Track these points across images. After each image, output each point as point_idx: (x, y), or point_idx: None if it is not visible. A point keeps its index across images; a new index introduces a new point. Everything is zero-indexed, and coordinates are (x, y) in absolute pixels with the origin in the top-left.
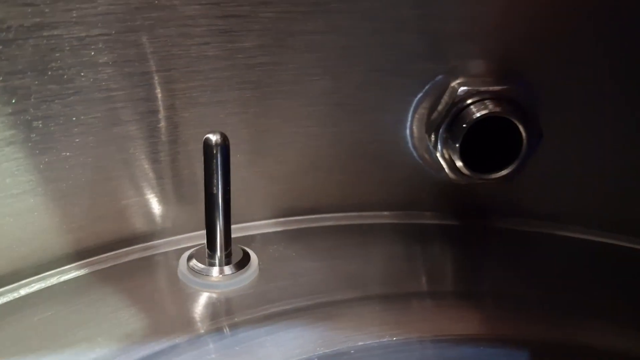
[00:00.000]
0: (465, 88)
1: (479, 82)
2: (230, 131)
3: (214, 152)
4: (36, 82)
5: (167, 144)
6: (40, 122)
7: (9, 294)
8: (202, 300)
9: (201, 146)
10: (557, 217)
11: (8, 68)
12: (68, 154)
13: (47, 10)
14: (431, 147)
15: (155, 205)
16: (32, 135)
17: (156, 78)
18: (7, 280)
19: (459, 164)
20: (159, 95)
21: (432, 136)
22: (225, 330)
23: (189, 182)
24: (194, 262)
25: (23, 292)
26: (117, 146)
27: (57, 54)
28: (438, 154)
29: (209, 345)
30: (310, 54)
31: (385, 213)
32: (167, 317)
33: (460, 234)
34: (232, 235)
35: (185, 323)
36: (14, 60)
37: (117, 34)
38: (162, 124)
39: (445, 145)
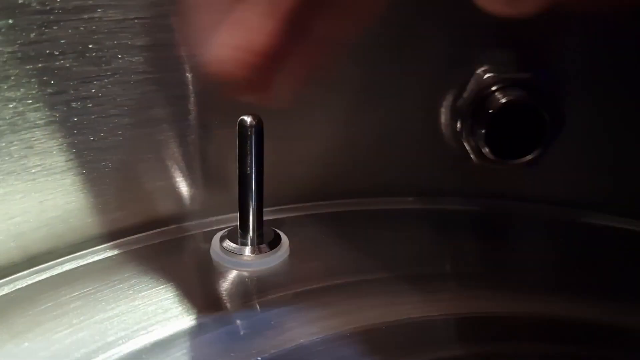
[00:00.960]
0: (490, 75)
1: (504, 69)
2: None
3: (249, 133)
4: (75, 64)
5: (198, 127)
6: (78, 102)
7: (46, 272)
8: (234, 278)
9: (231, 131)
10: (577, 203)
11: (49, 49)
12: (104, 135)
13: None
14: (457, 133)
15: (186, 188)
16: (70, 116)
17: (189, 62)
18: (44, 258)
19: (484, 149)
20: (191, 79)
21: (458, 123)
22: (256, 307)
23: (219, 166)
24: (226, 242)
25: (59, 269)
26: (150, 128)
27: (95, 37)
28: (464, 140)
29: (240, 321)
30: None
31: (411, 199)
32: (200, 294)
33: (483, 219)
34: (263, 218)
35: (217, 300)
36: (55, 41)
37: (152, 18)
38: (194, 107)
39: (471, 131)
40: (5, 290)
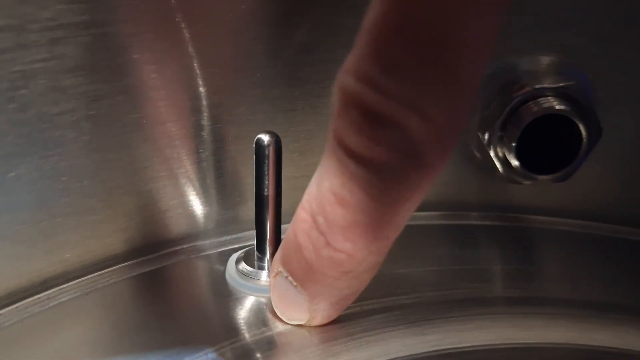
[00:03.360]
0: (521, 84)
1: (537, 79)
2: (277, 130)
3: (266, 152)
4: (86, 81)
5: (211, 142)
6: (89, 121)
7: (56, 298)
8: (252, 304)
9: (246, 145)
10: (604, 218)
11: (59, 67)
12: (114, 154)
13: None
14: (483, 145)
15: (200, 205)
16: (81, 135)
17: (201, 76)
18: (53, 283)
19: (514, 163)
20: (203, 94)
21: (486, 134)
22: (275, 337)
23: (234, 182)
24: (242, 264)
25: (68, 296)
26: (162, 145)
27: (105, 53)
28: (491, 153)
29: (260, 354)
30: None
31: (433, 213)
32: (215, 323)
33: (507, 235)
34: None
35: (233, 329)
36: (63, 59)
37: (160, 31)
38: (206, 122)
39: (499, 143)
40: (15, 318)
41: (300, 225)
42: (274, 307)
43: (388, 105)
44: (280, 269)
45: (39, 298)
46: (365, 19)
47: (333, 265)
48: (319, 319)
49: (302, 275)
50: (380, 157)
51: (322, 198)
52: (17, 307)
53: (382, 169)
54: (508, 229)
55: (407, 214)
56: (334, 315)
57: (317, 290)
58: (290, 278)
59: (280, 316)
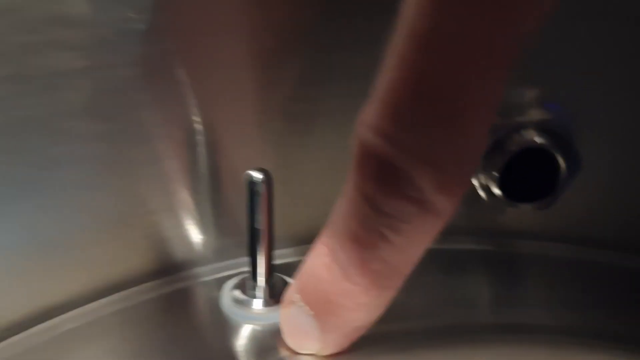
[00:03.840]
0: (504, 117)
1: (516, 112)
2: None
3: (257, 189)
4: (83, 123)
5: (206, 177)
6: (88, 162)
7: (36, 337)
8: (247, 332)
9: (237, 179)
10: (587, 242)
11: (59, 109)
12: (112, 194)
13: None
14: None
15: (196, 235)
16: (80, 175)
17: (198, 114)
18: (52, 313)
19: (497, 192)
20: (198, 131)
21: None
22: None
23: (228, 213)
24: (237, 292)
25: (63, 327)
26: (158, 182)
27: (103, 95)
28: (475, 182)
29: None
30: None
31: None
32: (212, 352)
33: (494, 259)
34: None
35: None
36: (62, 102)
37: (155, 72)
38: (202, 158)
39: (483, 173)
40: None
41: (320, 258)
42: (284, 336)
43: (403, 159)
44: (297, 298)
45: (43, 326)
46: (382, 79)
47: (350, 298)
48: (330, 349)
49: (319, 306)
50: (394, 203)
51: (342, 235)
52: (21, 336)
53: (395, 214)
54: (493, 253)
55: (418, 254)
56: (345, 345)
57: (331, 321)
58: (305, 308)
59: (291, 345)
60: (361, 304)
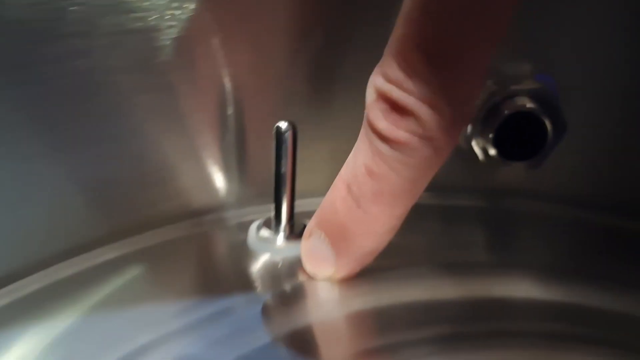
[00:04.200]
0: (499, 86)
1: (511, 81)
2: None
3: (284, 138)
4: (136, 78)
5: (234, 131)
6: (131, 112)
7: (86, 262)
8: (269, 263)
9: (261, 134)
10: (572, 201)
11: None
12: (150, 140)
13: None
14: (467, 137)
15: (222, 183)
16: (125, 124)
17: (227, 74)
18: (100, 243)
19: (492, 152)
20: (228, 91)
21: (469, 127)
22: (287, 287)
23: (254, 164)
24: (262, 230)
25: (104, 257)
26: (190, 133)
27: (151, 54)
28: (473, 143)
29: (275, 299)
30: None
31: (424, 194)
32: (237, 276)
33: (488, 213)
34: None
35: (251, 282)
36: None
37: (193, 37)
38: (231, 112)
39: (480, 135)
40: (75, 269)
41: (337, 192)
42: (304, 263)
43: (409, 100)
44: (316, 230)
45: (88, 255)
46: (392, 37)
47: (362, 225)
48: (343, 273)
49: (335, 234)
50: (401, 138)
51: (356, 170)
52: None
53: (402, 148)
54: (488, 209)
55: (421, 187)
56: (356, 271)
57: (345, 247)
58: (323, 237)
59: (309, 271)
60: (371, 232)
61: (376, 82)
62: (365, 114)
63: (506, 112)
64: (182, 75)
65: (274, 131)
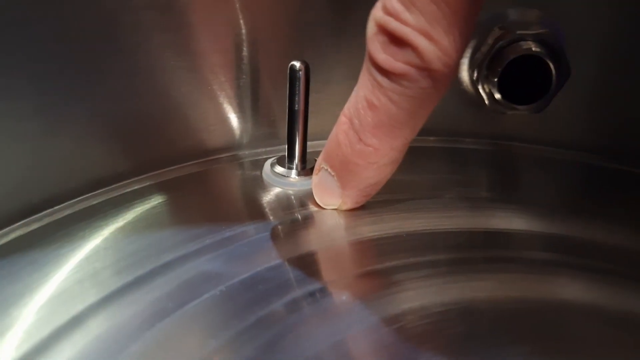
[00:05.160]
0: (504, 31)
1: (517, 26)
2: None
3: (298, 75)
4: (153, 18)
5: (249, 72)
6: (147, 52)
7: (113, 192)
8: (282, 195)
9: (279, 75)
10: (575, 145)
11: (134, 2)
12: (167, 80)
13: None
14: (474, 82)
15: (236, 123)
16: (145, 65)
17: (242, 18)
18: (127, 176)
19: (497, 96)
20: (245, 32)
21: (475, 72)
22: (298, 216)
23: (266, 105)
24: (276, 166)
25: (129, 188)
26: (206, 73)
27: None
28: (479, 87)
29: (287, 226)
30: None
31: (432, 138)
32: (251, 205)
33: (493, 156)
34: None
35: (265, 210)
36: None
37: None
38: (245, 54)
39: (486, 80)
40: (103, 197)
41: (340, 127)
42: (314, 195)
43: (406, 31)
44: (323, 164)
45: (119, 185)
46: None
47: (363, 157)
48: (349, 204)
49: (339, 167)
50: (399, 69)
51: (358, 103)
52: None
53: (400, 79)
54: (492, 152)
55: (420, 119)
56: (361, 202)
57: (349, 179)
58: (329, 169)
59: (318, 202)
60: (373, 163)
61: (376, 14)
62: (366, 48)
63: (512, 56)
64: (200, 16)
65: (287, 70)
